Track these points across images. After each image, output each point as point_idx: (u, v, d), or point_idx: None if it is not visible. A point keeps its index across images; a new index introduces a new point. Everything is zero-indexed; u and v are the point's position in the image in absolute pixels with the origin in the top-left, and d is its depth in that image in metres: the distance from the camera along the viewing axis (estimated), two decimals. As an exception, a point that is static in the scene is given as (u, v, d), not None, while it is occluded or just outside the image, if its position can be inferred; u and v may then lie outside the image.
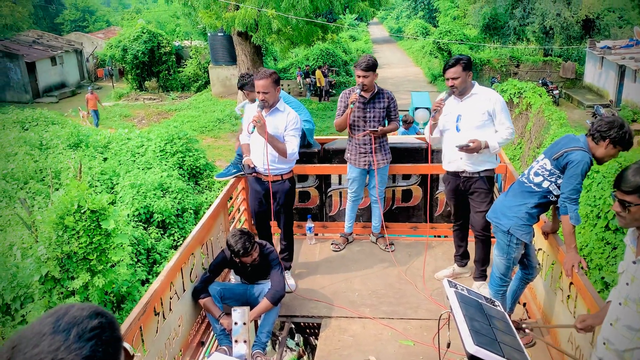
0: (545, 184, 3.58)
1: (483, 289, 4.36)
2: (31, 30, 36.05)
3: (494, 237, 4.10)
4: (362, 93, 4.91)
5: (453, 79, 4.20)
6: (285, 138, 4.41)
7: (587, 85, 26.28)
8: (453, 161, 4.43)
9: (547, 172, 3.56)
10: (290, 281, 4.88)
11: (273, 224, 4.79)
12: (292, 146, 4.41)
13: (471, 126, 4.27)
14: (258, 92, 4.28)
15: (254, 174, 4.55)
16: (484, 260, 4.56)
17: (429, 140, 4.74)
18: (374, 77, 4.88)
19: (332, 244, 5.57)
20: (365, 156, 5.07)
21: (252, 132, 4.31)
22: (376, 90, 4.97)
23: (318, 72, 25.63)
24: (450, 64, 4.23)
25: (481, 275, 4.63)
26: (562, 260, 3.57)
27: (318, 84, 25.52)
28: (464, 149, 4.22)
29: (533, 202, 3.63)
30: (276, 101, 4.42)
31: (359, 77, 4.83)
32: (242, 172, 5.17)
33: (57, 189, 9.27)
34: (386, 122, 5.12)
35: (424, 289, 4.73)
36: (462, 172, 4.42)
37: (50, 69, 30.79)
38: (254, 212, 4.80)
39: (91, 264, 6.13)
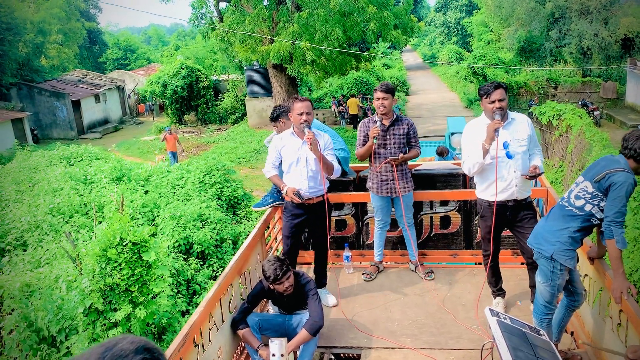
0: (588, 207, 3.47)
1: None
2: (76, 70, 37.72)
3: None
4: (383, 120, 4.91)
5: (500, 100, 4.12)
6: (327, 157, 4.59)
7: (630, 105, 25.58)
8: (506, 190, 4.25)
9: (589, 195, 3.46)
10: (330, 298, 4.96)
11: (310, 253, 4.81)
12: (335, 163, 4.64)
13: (520, 151, 4.20)
14: (301, 114, 4.41)
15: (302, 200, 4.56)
16: None
17: (469, 174, 4.50)
18: (392, 101, 4.92)
19: (363, 273, 5.50)
20: (387, 184, 5.05)
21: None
22: (395, 116, 5.00)
23: (350, 100, 25.81)
24: (494, 86, 4.15)
25: None
26: (610, 287, 3.43)
27: (352, 112, 25.69)
28: (532, 177, 4.13)
29: (576, 226, 3.52)
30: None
31: (378, 99, 4.87)
32: (280, 202, 5.21)
33: (100, 222, 9.52)
34: (406, 149, 5.11)
35: (466, 318, 4.62)
36: (510, 200, 4.28)
37: (94, 106, 32.02)
38: (289, 237, 4.81)
39: (133, 295, 6.22)
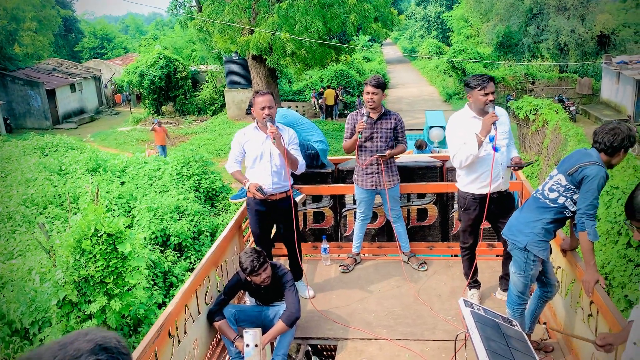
0: (561, 200, 3.53)
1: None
2: (51, 59, 36.91)
3: None
4: (370, 114, 4.93)
5: (493, 93, 4.15)
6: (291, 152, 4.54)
7: (605, 101, 26.04)
8: (494, 182, 4.28)
9: (562, 188, 3.51)
10: (307, 290, 4.98)
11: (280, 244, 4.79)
12: (300, 158, 4.59)
13: (503, 144, 4.27)
14: (262, 108, 4.36)
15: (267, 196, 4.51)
16: None
17: (459, 167, 4.42)
18: (382, 96, 4.91)
19: (340, 265, 5.51)
20: (372, 177, 5.05)
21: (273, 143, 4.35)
22: (383, 110, 5.00)
23: (327, 92, 25.79)
24: (487, 79, 4.16)
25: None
26: (581, 278, 3.49)
27: (328, 103, 25.69)
28: (519, 167, 4.29)
29: (549, 218, 3.58)
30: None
31: (368, 93, 4.86)
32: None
33: (75, 214, 9.37)
34: (393, 143, 5.11)
35: (441, 309, 4.66)
36: (495, 193, 4.32)
37: (69, 96, 31.42)
38: (258, 235, 4.78)
39: (108, 287, 6.15)
